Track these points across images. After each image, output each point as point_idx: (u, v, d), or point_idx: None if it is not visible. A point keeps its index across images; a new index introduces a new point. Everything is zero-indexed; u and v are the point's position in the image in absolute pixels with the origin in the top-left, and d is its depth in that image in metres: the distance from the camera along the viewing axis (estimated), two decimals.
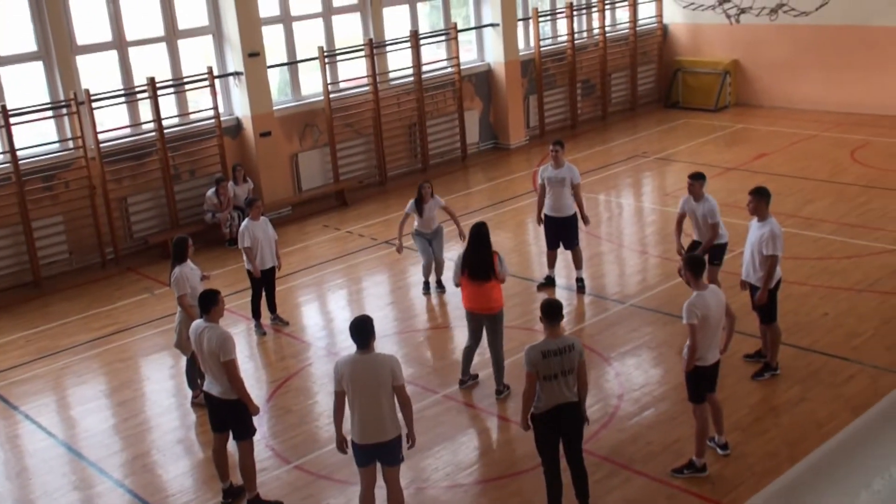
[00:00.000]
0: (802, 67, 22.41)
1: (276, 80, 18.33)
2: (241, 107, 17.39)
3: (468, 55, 21.24)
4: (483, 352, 10.71)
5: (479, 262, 10.17)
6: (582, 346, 8.05)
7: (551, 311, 7.94)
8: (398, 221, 13.50)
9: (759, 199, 10.03)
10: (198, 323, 8.67)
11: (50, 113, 15.53)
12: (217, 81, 16.99)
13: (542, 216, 13.07)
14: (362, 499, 8.12)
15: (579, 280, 13.22)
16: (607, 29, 23.23)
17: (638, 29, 23.86)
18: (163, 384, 11.78)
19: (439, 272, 13.46)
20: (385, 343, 12.15)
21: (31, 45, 15.28)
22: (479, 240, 10.25)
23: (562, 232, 12.97)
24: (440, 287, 13.51)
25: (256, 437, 8.94)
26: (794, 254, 13.24)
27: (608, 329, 12.06)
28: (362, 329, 7.77)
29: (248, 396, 8.65)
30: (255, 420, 8.90)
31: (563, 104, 22.79)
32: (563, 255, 13.33)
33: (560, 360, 7.81)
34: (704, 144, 19.83)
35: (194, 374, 10.62)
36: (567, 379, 7.88)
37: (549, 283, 13.34)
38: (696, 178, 11.54)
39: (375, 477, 8.07)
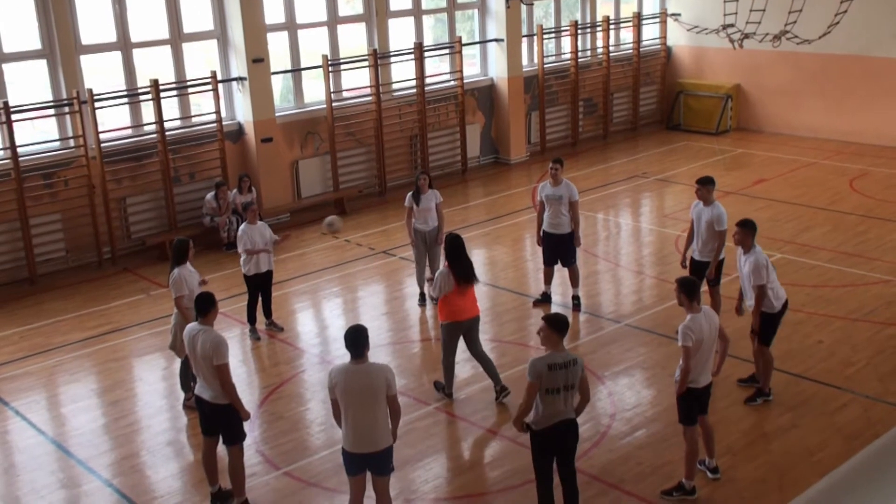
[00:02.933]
0: (804, 94, 22.50)
1: (280, 86, 18.36)
2: (243, 112, 17.41)
3: (472, 69, 21.29)
4: (469, 363, 10.73)
5: (467, 268, 10.51)
6: (583, 362, 8.07)
7: (560, 325, 7.95)
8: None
9: (746, 232, 10.08)
10: (192, 326, 8.67)
11: (52, 111, 15.53)
12: (220, 86, 17.01)
13: (541, 233, 13.08)
14: None
15: (575, 298, 13.23)
16: (611, 49, 23.29)
17: (642, 50, 23.93)
18: (155, 385, 11.75)
19: None
20: (379, 353, 12.14)
21: (35, 43, 15.29)
22: (458, 250, 10.52)
23: (559, 249, 12.99)
24: (435, 299, 13.48)
25: (247, 442, 8.94)
26: (790, 280, 13.25)
27: (602, 348, 12.06)
28: (357, 338, 7.78)
29: (239, 401, 8.64)
30: (247, 425, 8.89)
31: (564, 122, 22.85)
32: (560, 272, 13.34)
33: (565, 373, 7.82)
34: (705, 167, 19.85)
35: (188, 377, 10.59)
36: (568, 394, 7.89)
37: (545, 299, 13.35)
38: (703, 183, 11.60)
39: (364, 486, 8.06)
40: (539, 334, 8.07)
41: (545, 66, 21.91)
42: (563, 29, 22.61)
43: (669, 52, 24.70)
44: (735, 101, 23.52)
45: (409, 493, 9.11)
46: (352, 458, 7.87)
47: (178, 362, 11.08)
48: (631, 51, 23.86)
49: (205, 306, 8.58)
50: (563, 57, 22.72)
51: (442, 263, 10.67)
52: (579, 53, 22.46)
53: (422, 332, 13.04)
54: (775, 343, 10.45)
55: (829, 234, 15.81)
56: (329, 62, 18.16)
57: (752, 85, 23.41)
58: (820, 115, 22.30)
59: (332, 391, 7.78)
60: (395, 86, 19.62)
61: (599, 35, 23.17)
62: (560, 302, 13.35)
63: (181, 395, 11.06)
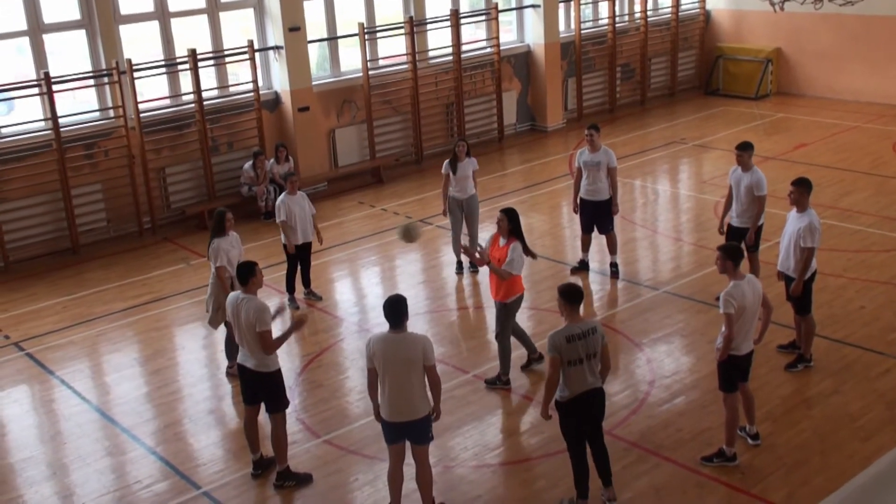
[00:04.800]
0: (846, 57, 22.12)
1: (316, 55, 18.35)
2: (280, 81, 17.44)
3: (508, 36, 21.14)
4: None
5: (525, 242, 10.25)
6: (603, 329, 8.05)
7: (573, 295, 7.94)
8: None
9: (802, 191, 9.94)
10: (235, 294, 8.72)
11: (92, 81, 15.64)
12: (257, 55, 17.04)
13: (578, 200, 13.02)
14: (390, 475, 8.18)
15: (613, 265, 13.18)
16: (649, 13, 23.02)
17: (680, 14, 23.63)
18: (196, 354, 11.89)
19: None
20: (416, 322, 12.19)
21: (74, 14, 15.39)
22: (520, 224, 10.21)
23: (596, 216, 12.92)
24: (473, 267, 13.50)
25: (288, 411, 9.01)
26: (831, 245, 13.12)
27: (640, 315, 12.02)
28: (396, 308, 7.80)
29: (285, 339, 8.81)
30: (288, 394, 8.97)
31: (601, 88, 22.66)
32: (598, 239, 13.28)
33: (585, 343, 7.82)
34: (744, 132, 19.63)
35: (232, 345, 10.66)
36: (591, 363, 7.89)
37: (582, 267, 13.30)
38: (743, 149, 11.50)
39: (404, 454, 8.12)
40: (558, 305, 8.04)
41: (582, 31, 21.71)
42: None
43: (708, 15, 24.37)
44: (775, 65, 23.18)
45: (448, 460, 9.17)
46: (390, 427, 7.93)
47: (219, 331, 11.19)
48: (669, 15, 23.57)
49: (247, 274, 8.62)
50: (601, 22, 22.50)
51: (496, 240, 10.27)
52: (617, 18, 22.22)
53: (458, 300, 13.06)
54: (814, 308, 10.36)
55: (872, 198, 15.60)
56: (365, 30, 18.11)
57: (793, 48, 23.05)
58: (862, 78, 21.93)
59: (371, 360, 7.83)
60: (431, 53, 19.55)
61: None
62: (597, 269, 13.31)
63: (222, 363, 11.19)
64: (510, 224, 10.07)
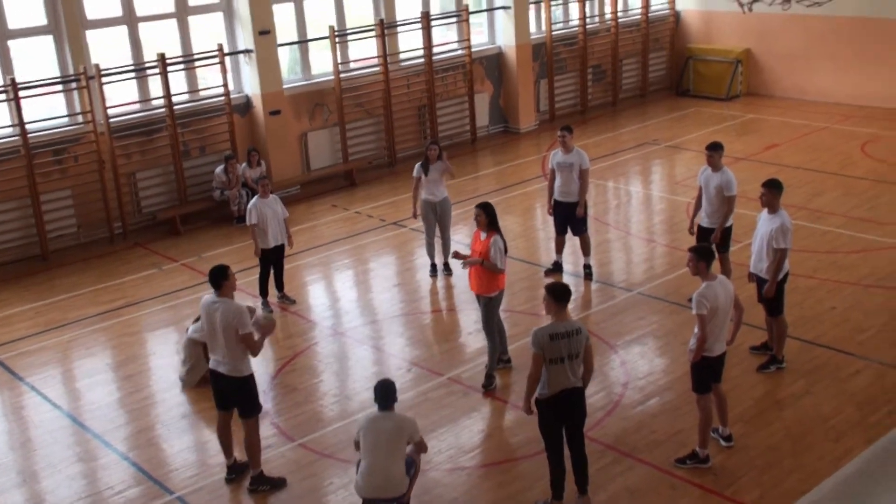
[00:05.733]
0: (814, 58, 22.29)
1: (287, 58, 18.28)
2: (250, 85, 17.36)
3: (479, 38, 21.15)
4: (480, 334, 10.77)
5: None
6: (588, 331, 8.07)
7: (560, 294, 7.96)
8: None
9: (773, 192, 10.01)
10: (208, 298, 8.66)
11: (59, 87, 15.50)
12: (227, 59, 16.95)
13: (552, 202, 13.05)
14: None
15: (587, 266, 13.22)
16: (619, 14, 23.11)
17: (650, 15, 23.74)
18: (169, 359, 11.80)
19: (445, 253, 13.41)
20: (391, 325, 12.20)
21: (41, 19, 15.25)
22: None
23: (570, 217, 12.95)
24: (447, 270, 13.51)
25: (262, 414, 8.97)
26: (801, 246, 13.22)
27: (614, 317, 12.06)
28: (387, 392, 7.91)
29: (262, 340, 8.80)
30: (261, 397, 8.93)
31: (573, 89, 22.72)
32: (571, 240, 13.32)
33: (568, 342, 7.84)
34: (715, 133, 19.74)
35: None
36: (572, 363, 7.92)
37: (556, 268, 13.34)
38: (713, 149, 11.61)
39: None
40: (543, 303, 8.07)
41: (553, 33, 21.76)
42: None
43: (678, 16, 24.50)
44: (745, 66, 23.33)
45: (423, 463, 9.12)
46: (366, 502, 7.98)
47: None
48: (639, 16, 23.67)
49: (219, 278, 8.56)
50: (571, 23, 22.57)
51: (485, 236, 10.22)
52: (587, 20, 22.29)
53: (433, 303, 13.05)
54: (787, 309, 10.43)
55: (841, 198, 15.73)
56: (336, 33, 18.07)
57: (762, 49, 23.21)
58: (831, 79, 22.11)
59: (358, 434, 7.93)
60: (402, 56, 19.52)
61: (607, 1, 22.98)
62: (571, 271, 13.35)
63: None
64: (487, 217, 10.15)
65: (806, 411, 9.66)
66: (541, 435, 8.28)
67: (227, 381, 8.64)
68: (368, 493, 7.84)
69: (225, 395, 8.80)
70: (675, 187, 17.03)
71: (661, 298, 12.44)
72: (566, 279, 13.14)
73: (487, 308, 10.32)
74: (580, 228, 13.03)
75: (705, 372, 8.67)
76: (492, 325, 10.39)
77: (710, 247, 9.11)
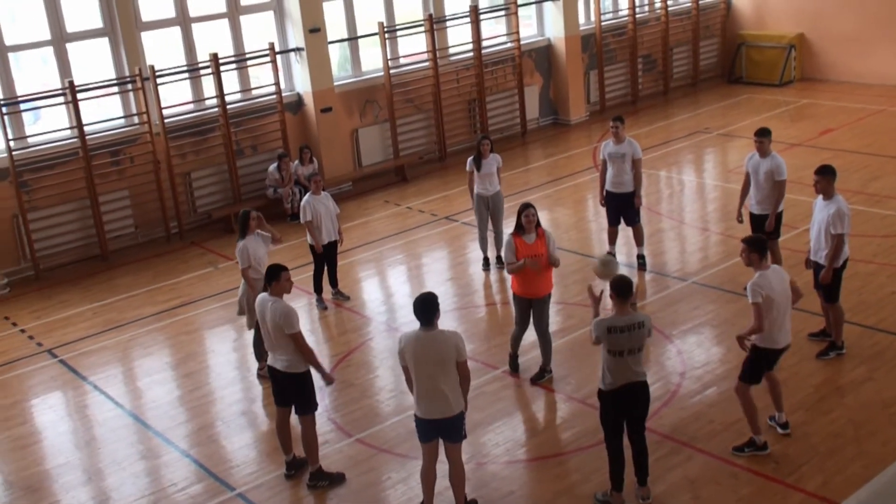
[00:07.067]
0: (870, 40, 21.90)
1: (337, 55, 18.39)
2: (302, 83, 17.49)
3: (528, 30, 21.09)
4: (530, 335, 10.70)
5: None
6: (651, 324, 8.01)
7: (623, 289, 7.90)
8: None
9: (827, 178, 9.88)
10: (263, 296, 8.76)
11: (116, 89, 15.73)
12: (278, 57, 17.09)
13: (604, 193, 12.98)
14: (423, 473, 8.18)
15: (640, 257, 13.14)
16: (669, 3, 22.90)
17: (700, 2, 23.49)
18: (227, 356, 11.95)
19: (498, 246, 13.42)
20: (445, 319, 12.06)
21: (97, 22, 15.50)
22: None
23: (623, 208, 12.88)
24: (499, 263, 13.50)
25: (319, 411, 9.04)
26: (860, 231, 13.02)
27: (669, 307, 11.97)
28: (427, 306, 7.80)
29: (320, 365, 8.79)
30: (318, 393, 9.00)
31: (623, 79, 22.57)
32: (624, 231, 13.25)
33: (628, 336, 7.80)
34: (768, 120, 19.50)
35: (261, 346, 10.70)
36: (635, 357, 7.87)
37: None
38: (762, 135, 11.46)
39: (437, 452, 8.13)
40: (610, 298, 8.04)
41: (602, 23, 21.63)
42: None
43: (729, 2, 24.22)
44: (798, 51, 23.00)
45: (480, 456, 9.17)
46: (423, 425, 7.94)
47: (249, 333, 11.26)
48: (689, 4, 23.43)
49: (270, 278, 8.66)
50: (621, 14, 22.42)
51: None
52: (637, 9, 22.12)
53: (486, 296, 13.06)
54: (845, 295, 10.29)
55: None
56: (385, 29, 18.13)
57: (816, 33, 22.85)
58: (887, 61, 21.70)
59: (402, 357, 7.86)
60: (451, 50, 19.53)
61: None
62: (625, 262, 13.26)
63: (253, 365, 11.25)
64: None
65: (868, 397, 9.52)
66: (601, 426, 8.25)
67: (284, 377, 8.73)
68: (427, 415, 7.86)
69: (282, 392, 8.88)
70: (728, 175, 16.85)
71: (717, 287, 12.32)
72: (620, 270, 13.05)
73: (546, 306, 10.28)
74: (633, 219, 12.95)
75: (762, 363, 8.58)
76: (548, 321, 10.38)
77: (762, 237, 9.00)
